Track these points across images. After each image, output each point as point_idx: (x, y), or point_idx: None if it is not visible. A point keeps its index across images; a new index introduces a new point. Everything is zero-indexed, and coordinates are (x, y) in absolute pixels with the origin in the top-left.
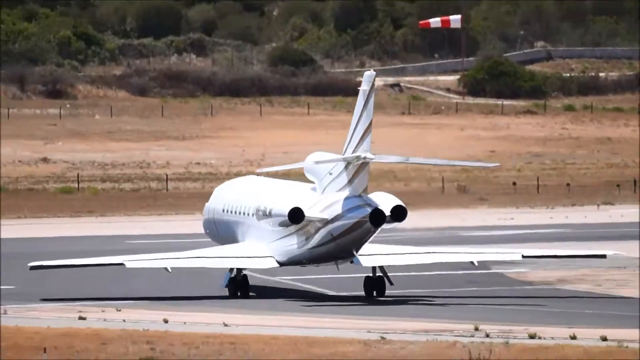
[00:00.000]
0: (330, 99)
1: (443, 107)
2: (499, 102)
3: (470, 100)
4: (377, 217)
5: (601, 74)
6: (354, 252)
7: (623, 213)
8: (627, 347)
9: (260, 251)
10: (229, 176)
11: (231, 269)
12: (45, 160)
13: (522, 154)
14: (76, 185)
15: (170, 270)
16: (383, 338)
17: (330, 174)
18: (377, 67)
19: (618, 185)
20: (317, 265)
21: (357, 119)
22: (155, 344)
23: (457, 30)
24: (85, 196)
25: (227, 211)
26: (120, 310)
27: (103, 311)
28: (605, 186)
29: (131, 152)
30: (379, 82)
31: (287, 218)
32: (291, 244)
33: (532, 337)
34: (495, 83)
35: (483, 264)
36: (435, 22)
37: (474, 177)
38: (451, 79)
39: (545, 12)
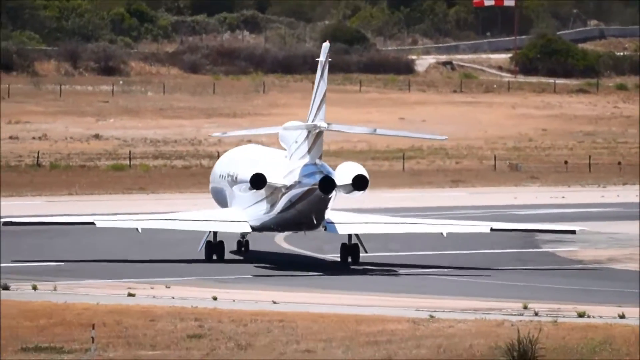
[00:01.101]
0: (382, 76)
1: (495, 86)
2: (551, 80)
3: (522, 78)
4: (326, 185)
5: None
6: (314, 220)
7: None
8: None
9: (237, 216)
10: None
11: (208, 233)
12: (97, 137)
13: (574, 133)
14: (128, 162)
15: (140, 230)
16: (431, 316)
17: (296, 142)
18: (430, 45)
19: None
20: (289, 231)
21: (315, 89)
22: (203, 321)
23: (510, 8)
24: (136, 173)
25: (221, 177)
26: (169, 287)
27: (152, 288)
28: None
29: (183, 129)
30: (432, 60)
31: (249, 183)
32: (262, 210)
33: (580, 315)
34: (548, 61)
35: (532, 242)
36: (488, 0)
37: (526, 156)
38: (503, 57)
39: None
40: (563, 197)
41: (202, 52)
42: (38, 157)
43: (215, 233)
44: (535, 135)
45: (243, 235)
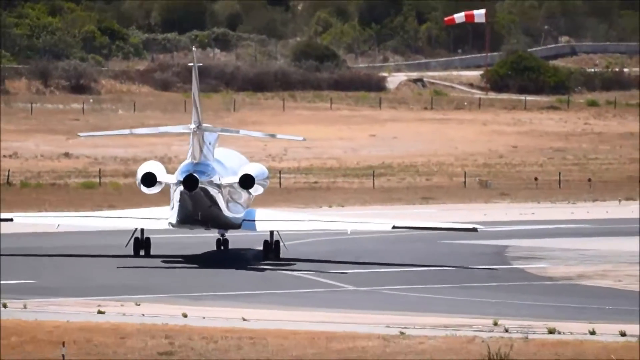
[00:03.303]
0: (353, 93)
1: (466, 103)
2: (522, 97)
3: (493, 95)
4: (189, 182)
5: (625, 70)
6: (201, 217)
7: None
8: None
9: (160, 214)
10: None
11: (135, 229)
12: (67, 155)
13: (545, 149)
14: (98, 180)
15: (58, 226)
16: (402, 333)
17: (210, 143)
18: (401, 62)
19: None
20: (205, 228)
21: (192, 93)
22: (174, 338)
23: (482, 25)
24: (107, 191)
25: None
26: (139, 305)
27: (122, 305)
28: (627, 182)
29: (153, 147)
30: (403, 77)
31: (140, 182)
32: (174, 207)
33: (551, 332)
34: (519, 78)
35: (501, 259)
36: (459, 17)
37: (496, 172)
38: (475, 74)
39: (570, 7)
40: (533, 213)
41: (173, 70)
42: (9, 175)
43: (142, 230)
44: (505, 152)
45: (222, 233)
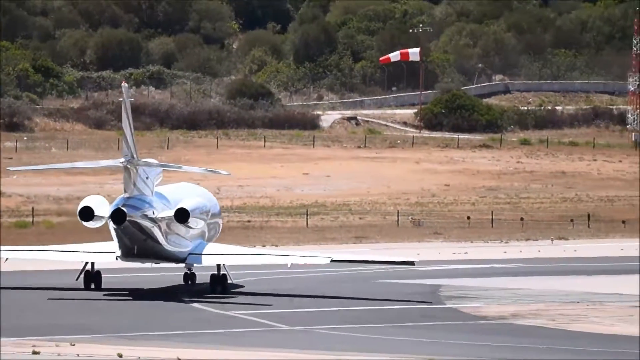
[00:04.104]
0: (287, 132)
1: (399, 141)
2: (456, 135)
3: (426, 134)
4: (117, 216)
5: (558, 108)
6: (137, 250)
7: (577, 248)
8: None
9: (109, 248)
10: None
11: (86, 263)
12: (0, 193)
13: (477, 188)
14: (31, 219)
15: (6, 260)
16: None
17: (147, 177)
18: (335, 101)
19: (572, 220)
20: (150, 261)
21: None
22: None
23: (416, 63)
24: (39, 230)
25: None
26: (74, 345)
27: (57, 345)
28: (559, 220)
29: (86, 185)
30: (337, 115)
31: (78, 216)
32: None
33: None
34: (452, 116)
35: (435, 298)
36: (394, 56)
37: (429, 211)
38: (409, 112)
39: (504, 46)
40: (466, 252)
41: (107, 108)
42: None
43: (92, 263)
44: (438, 191)
45: (189, 267)
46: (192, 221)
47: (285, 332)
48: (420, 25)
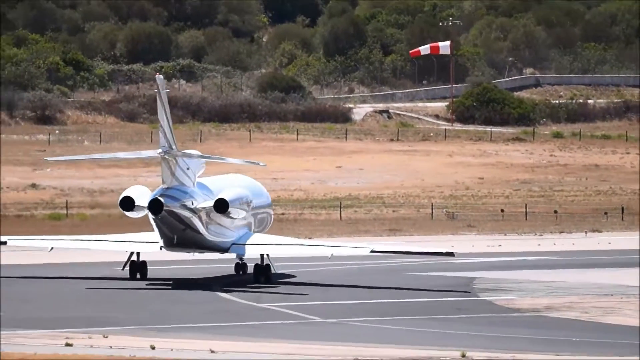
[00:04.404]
0: (319, 125)
1: (432, 134)
2: (488, 129)
3: (458, 127)
4: (154, 207)
5: (589, 101)
6: (176, 239)
7: (610, 240)
8: None
9: (153, 237)
10: None
11: (131, 253)
12: (33, 186)
13: (511, 181)
14: (65, 212)
15: (50, 249)
16: None
17: (188, 168)
18: (366, 94)
19: (606, 213)
20: (192, 251)
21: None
22: None
23: (447, 56)
24: (73, 222)
25: None
26: (107, 337)
27: (90, 337)
28: (593, 213)
29: (120, 178)
30: (368, 108)
31: (119, 206)
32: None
33: None
34: (484, 110)
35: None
36: (424, 49)
37: (463, 204)
38: (440, 105)
39: (534, 39)
40: (500, 245)
41: (138, 101)
42: None
43: (138, 253)
44: (472, 184)
45: (240, 257)
46: (232, 211)
47: (318, 325)
48: (450, 18)
